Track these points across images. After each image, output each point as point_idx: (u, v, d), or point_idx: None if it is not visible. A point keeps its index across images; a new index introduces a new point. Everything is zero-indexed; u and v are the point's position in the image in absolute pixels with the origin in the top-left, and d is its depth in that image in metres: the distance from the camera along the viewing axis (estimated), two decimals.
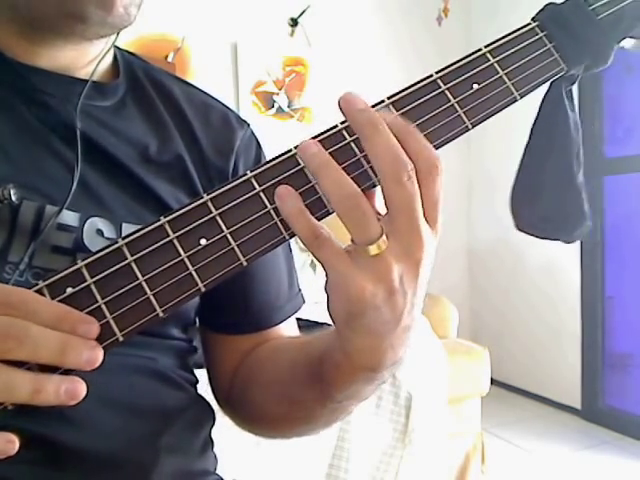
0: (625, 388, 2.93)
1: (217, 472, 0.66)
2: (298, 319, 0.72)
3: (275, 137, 2.18)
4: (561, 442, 2.62)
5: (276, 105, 3.00)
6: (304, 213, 0.42)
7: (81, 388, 0.37)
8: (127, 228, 0.56)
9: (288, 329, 0.70)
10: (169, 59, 2.72)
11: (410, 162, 0.41)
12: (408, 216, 0.41)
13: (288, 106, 3.03)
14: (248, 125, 0.71)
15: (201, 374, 0.69)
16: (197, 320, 0.70)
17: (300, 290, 0.72)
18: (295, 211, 0.42)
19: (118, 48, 0.66)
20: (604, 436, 2.69)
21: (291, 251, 0.72)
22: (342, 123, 0.44)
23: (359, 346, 0.45)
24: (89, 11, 0.52)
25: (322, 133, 0.44)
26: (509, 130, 2.58)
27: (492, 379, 2.24)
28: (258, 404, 0.65)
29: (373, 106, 0.45)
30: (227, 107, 0.71)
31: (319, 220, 0.43)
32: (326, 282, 0.43)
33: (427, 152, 0.42)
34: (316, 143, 0.43)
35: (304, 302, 0.72)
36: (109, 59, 0.64)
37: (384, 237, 0.41)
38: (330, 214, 0.43)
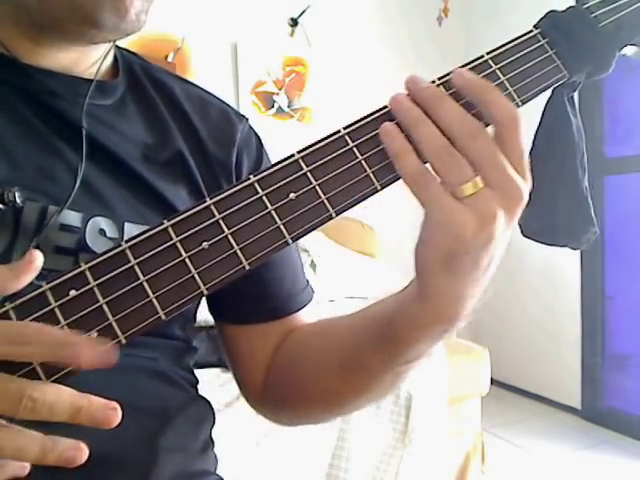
0: (625, 388, 2.93)
1: (217, 472, 0.66)
2: None
3: (275, 137, 2.19)
4: (561, 442, 2.62)
5: (276, 105, 3.00)
6: (411, 151, 0.43)
7: (81, 457, 0.38)
8: (129, 227, 0.56)
9: (309, 317, 0.70)
10: (169, 59, 2.72)
11: (477, 121, 0.44)
12: (495, 166, 0.43)
13: (288, 106, 3.03)
14: (247, 119, 0.72)
15: (201, 374, 0.69)
16: (213, 318, 0.70)
17: (308, 282, 0.73)
18: (402, 149, 0.43)
19: (117, 47, 0.66)
20: (604, 436, 2.69)
21: (297, 245, 0.72)
22: (345, 128, 0.45)
23: (446, 292, 0.45)
24: (104, 17, 0.53)
25: (325, 138, 0.45)
26: None
27: (492, 379, 2.24)
28: (310, 382, 0.64)
29: (376, 112, 0.46)
30: (225, 103, 0.72)
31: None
32: (426, 224, 0.44)
33: (504, 104, 0.44)
34: (408, 99, 0.45)
35: (314, 293, 0.73)
36: (110, 58, 0.65)
37: (478, 178, 0.42)
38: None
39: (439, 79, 0.47)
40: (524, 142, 0.44)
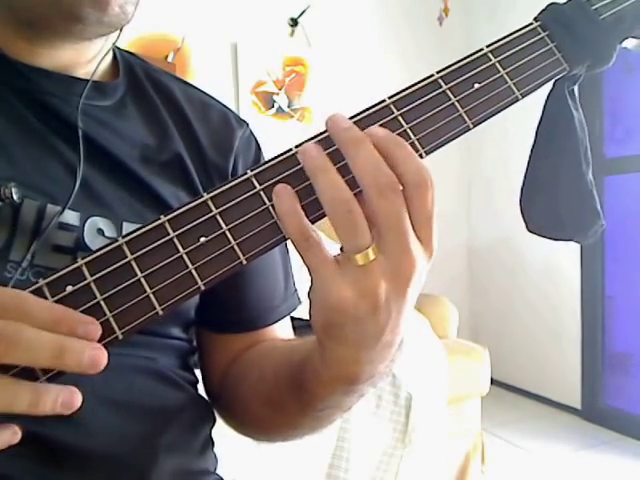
0: (625, 388, 2.93)
1: (217, 472, 0.66)
2: (294, 318, 0.72)
3: (275, 137, 2.19)
4: (561, 442, 2.63)
5: (276, 105, 3.00)
6: (297, 213, 0.41)
7: (77, 399, 0.37)
8: (128, 227, 0.56)
9: (282, 330, 0.70)
10: (169, 59, 2.72)
11: (394, 175, 0.40)
12: (396, 232, 0.40)
13: (288, 106, 3.03)
14: (247, 125, 0.72)
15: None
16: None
17: (296, 290, 0.72)
18: (289, 210, 0.41)
19: (118, 48, 0.66)
20: (604, 436, 2.69)
21: (288, 251, 0.71)
22: None
23: (337, 356, 0.44)
24: (84, 11, 0.52)
25: (321, 133, 0.44)
26: (509, 130, 2.58)
27: (492, 379, 2.24)
28: (245, 404, 0.64)
29: (373, 106, 0.45)
30: (226, 107, 0.72)
31: (315, 221, 0.43)
32: (310, 287, 0.42)
33: (415, 165, 0.41)
34: (317, 147, 0.42)
35: (300, 302, 0.72)
36: (109, 59, 0.64)
37: (372, 248, 0.40)
38: (325, 216, 0.43)
39: (390, 98, 0.45)
40: (433, 206, 0.41)
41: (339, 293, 0.40)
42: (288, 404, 0.56)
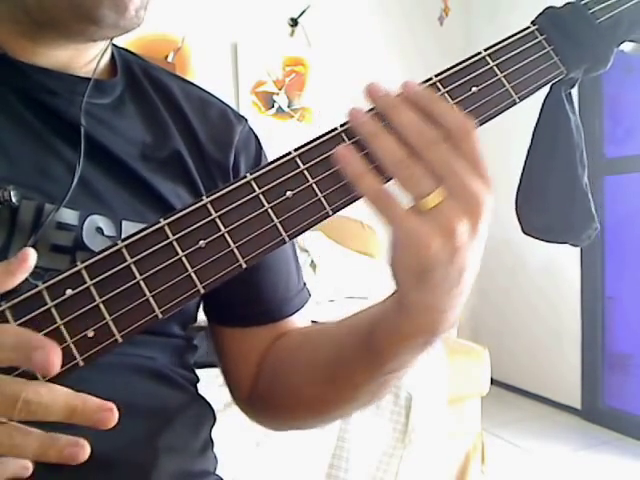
0: (625, 388, 2.93)
1: (217, 472, 0.66)
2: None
3: (275, 137, 2.19)
4: (561, 442, 2.62)
5: (276, 105, 3.00)
6: (369, 174, 0.43)
7: (83, 453, 0.38)
8: (127, 225, 0.56)
9: (302, 321, 0.70)
10: (169, 59, 2.72)
11: (433, 130, 0.43)
12: (454, 174, 0.42)
13: (288, 106, 3.03)
14: (246, 120, 0.72)
15: (201, 374, 0.69)
16: (205, 318, 0.70)
17: (305, 284, 0.72)
18: (360, 171, 0.43)
19: (115, 46, 0.66)
20: (604, 436, 2.69)
21: (295, 248, 0.72)
22: (342, 126, 0.45)
23: (423, 306, 0.46)
24: (103, 14, 0.53)
25: (322, 136, 0.45)
26: (508, 130, 2.58)
27: (492, 379, 2.24)
28: (296, 390, 0.64)
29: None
30: (225, 103, 0.72)
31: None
32: (393, 243, 0.44)
33: (454, 115, 0.44)
34: (363, 112, 0.45)
35: (310, 296, 0.72)
36: (107, 57, 0.64)
37: (439, 190, 0.42)
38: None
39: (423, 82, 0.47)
40: (479, 145, 0.44)
41: (426, 239, 0.42)
42: (354, 373, 0.56)
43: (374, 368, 0.53)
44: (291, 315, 0.69)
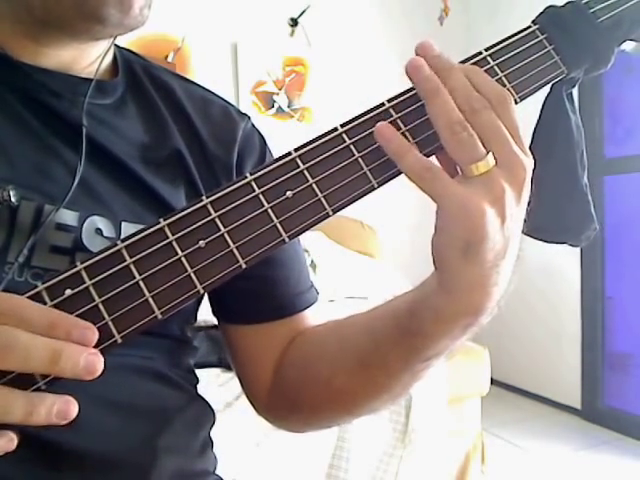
0: (625, 388, 2.93)
1: (217, 472, 0.66)
2: None
3: (275, 137, 2.18)
4: (561, 442, 2.62)
5: (276, 105, 3.00)
6: (412, 149, 0.44)
7: (73, 409, 0.36)
8: (126, 227, 0.56)
9: (316, 318, 0.69)
10: (169, 59, 2.72)
11: (481, 97, 0.44)
12: (500, 141, 0.43)
13: (288, 106, 3.03)
14: (249, 118, 0.72)
15: (201, 374, 0.69)
16: (217, 320, 0.69)
17: (313, 284, 0.72)
18: (404, 149, 0.43)
19: (117, 46, 0.66)
20: (604, 436, 2.69)
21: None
22: (342, 126, 0.45)
23: (468, 282, 0.45)
24: (108, 13, 0.53)
25: (322, 136, 0.45)
26: None
27: (492, 379, 2.24)
28: (324, 382, 0.62)
29: (373, 109, 0.46)
30: (227, 101, 0.72)
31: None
32: (441, 217, 0.44)
33: (493, 85, 0.45)
34: (426, 66, 0.46)
35: (318, 294, 0.72)
36: (109, 57, 0.64)
37: (489, 156, 0.43)
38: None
39: (389, 101, 0.47)
40: (516, 118, 0.45)
41: (478, 206, 0.42)
42: (391, 361, 0.55)
43: (411, 354, 0.52)
44: (304, 309, 0.68)
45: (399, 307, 0.53)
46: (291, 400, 0.66)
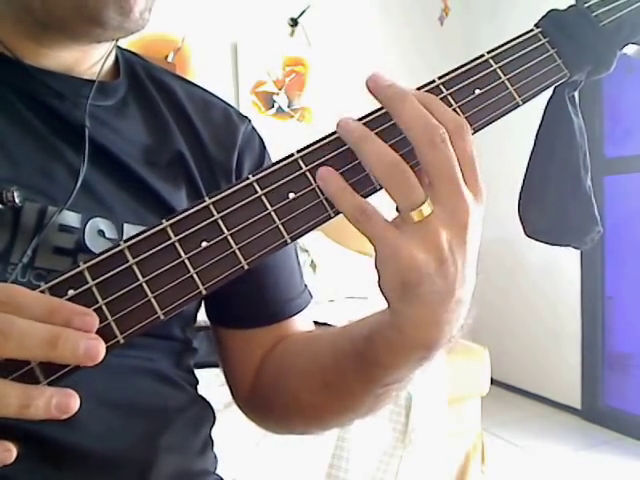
0: (625, 388, 2.93)
1: (217, 472, 0.66)
2: (318, 323, 0.72)
3: (275, 137, 2.18)
4: (561, 442, 2.62)
5: (276, 105, 3.00)
6: (347, 189, 0.42)
7: (73, 402, 0.35)
8: (129, 228, 0.56)
9: (305, 323, 0.69)
10: (169, 59, 2.72)
11: (441, 126, 0.42)
12: (449, 179, 0.41)
13: (288, 106, 3.03)
14: (249, 120, 0.72)
15: (201, 374, 0.69)
16: (207, 319, 0.70)
17: (307, 286, 0.72)
18: (340, 189, 0.42)
19: (119, 47, 0.66)
20: (604, 436, 2.69)
21: (296, 249, 0.72)
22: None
23: (414, 320, 0.44)
24: (108, 16, 0.52)
25: (324, 138, 0.45)
26: (508, 131, 2.58)
27: (492, 379, 2.24)
28: (293, 395, 0.63)
29: (376, 111, 0.46)
30: (227, 103, 0.72)
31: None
32: (376, 258, 0.43)
33: (451, 114, 0.43)
34: (353, 119, 0.44)
35: (312, 297, 0.72)
36: (111, 59, 0.64)
37: (428, 202, 0.41)
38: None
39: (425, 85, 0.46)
40: (473, 150, 0.43)
41: (409, 253, 0.41)
42: (351, 383, 0.55)
43: (370, 380, 0.52)
44: (293, 316, 0.68)
45: (358, 333, 0.53)
46: (266, 405, 0.68)
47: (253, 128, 0.71)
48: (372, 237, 0.42)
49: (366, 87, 0.44)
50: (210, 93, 0.71)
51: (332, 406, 0.60)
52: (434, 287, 0.42)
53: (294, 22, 3.02)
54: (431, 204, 0.41)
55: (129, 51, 0.68)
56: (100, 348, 0.35)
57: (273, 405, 0.67)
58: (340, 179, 0.43)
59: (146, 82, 0.66)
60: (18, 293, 0.36)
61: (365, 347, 0.51)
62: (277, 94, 3.01)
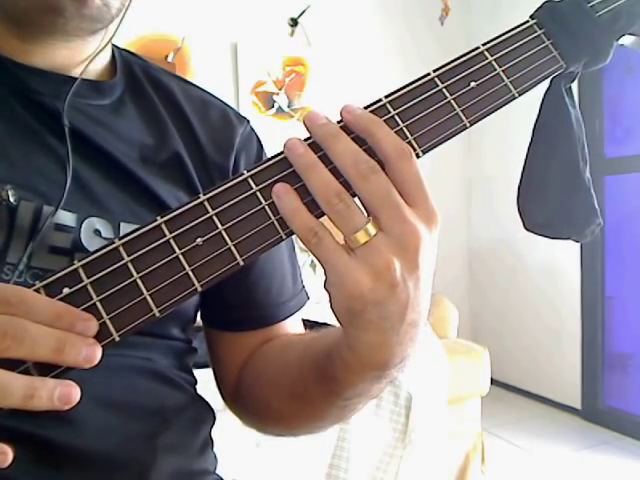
0: (625, 388, 2.93)
1: (217, 472, 0.66)
2: (307, 321, 0.72)
3: (275, 137, 2.18)
4: (561, 442, 2.62)
5: (276, 105, 3.00)
6: (301, 210, 0.42)
7: (75, 393, 0.37)
8: (125, 228, 0.56)
9: (294, 326, 0.70)
10: (169, 59, 2.72)
11: (371, 159, 0.42)
12: (388, 206, 0.41)
13: (288, 106, 3.03)
14: (248, 121, 0.71)
15: (201, 374, 0.69)
16: (200, 319, 0.70)
17: (304, 286, 0.72)
18: (292, 208, 0.42)
19: (116, 47, 0.66)
20: (604, 436, 2.69)
21: (294, 248, 0.72)
22: (339, 122, 0.45)
23: (366, 343, 0.44)
24: (63, 4, 0.52)
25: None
26: (508, 129, 2.58)
27: (492, 379, 2.24)
28: (265, 401, 0.64)
29: (369, 105, 0.45)
30: (226, 104, 0.71)
31: (320, 217, 0.43)
32: (325, 280, 0.43)
33: (392, 138, 0.43)
34: (302, 143, 0.44)
35: (308, 298, 0.72)
36: (107, 58, 0.64)
37: (371, 224, 0.41)
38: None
39: (386, 97, 0.45)
40: (418, 173, 0.43)
41: (354, 279, 0.41)
42: (314, 395, 0.55)
43: (331, 393, 0.53)
44: (282, 320, 0.69)
45: (320, 350, 0.54)
46: (246, 407, 0.69)
47: (252, 129, 0.71)
48: (321, 260, 0.42)
49: (303, 122, 0.45)
50: (208, 93, 0.71)
51: (299, 415, 0.61)
52: (383, 313, 0.42)
53: (294, 22, 3.02)
54: (376, 228, 0.41)
55: (127, 50, 0.68)
56: (98, 353, 0.38)
57: (251, 408, 0.68)
58: (295, 197, 0.42)
59: (143, 81, 0.66)
60: (28, 296, 0.38)
61: (325, 363, 0.51)
62: (277, 94, 3.01)
